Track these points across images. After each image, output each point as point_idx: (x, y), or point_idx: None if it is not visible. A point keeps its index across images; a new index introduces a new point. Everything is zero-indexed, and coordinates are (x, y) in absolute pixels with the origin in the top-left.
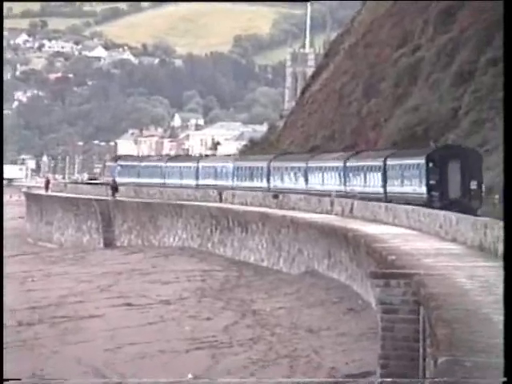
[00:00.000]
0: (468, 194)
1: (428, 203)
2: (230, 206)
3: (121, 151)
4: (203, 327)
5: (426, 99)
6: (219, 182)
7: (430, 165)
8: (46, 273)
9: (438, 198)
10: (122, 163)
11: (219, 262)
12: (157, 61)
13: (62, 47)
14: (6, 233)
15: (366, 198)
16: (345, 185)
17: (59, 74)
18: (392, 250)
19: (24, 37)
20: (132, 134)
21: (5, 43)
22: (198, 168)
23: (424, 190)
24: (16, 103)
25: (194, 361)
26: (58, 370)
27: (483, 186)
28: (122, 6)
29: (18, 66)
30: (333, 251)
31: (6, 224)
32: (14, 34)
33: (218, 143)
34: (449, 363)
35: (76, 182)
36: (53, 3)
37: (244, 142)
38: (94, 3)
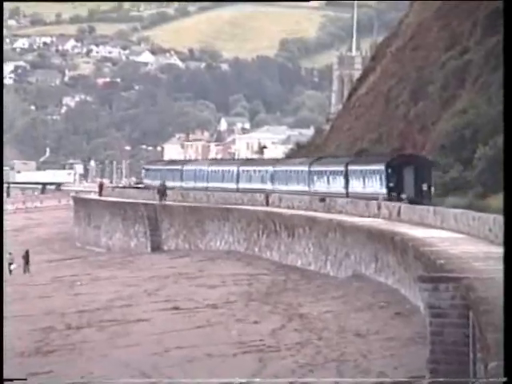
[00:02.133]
0: (420, 194)
1: (388, 199)
2: (276, 209)
3: (167, 155)
4: (250, 331)
5: (475, 102)
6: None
7: (389, 170)
8: (93, 277)
9: (396, 197)
10: (147, 167)
11: (266, 265)
12: (203, 65)
13: (110, 52)
14: (55, 237)
15: (329, 196)
16: (309, 186)
17: (107, 79)
18: (440, 253)
19: (72, 42)
20: (179, 138)
21: (53, 49)
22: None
23: (385, 190)
24: (64, 108)
25: (241, 365)
26: (106, 374)
27: (432, 188)
28: (169, 10)
29: (67, 71)
30: (380, 255)
31: (54, 228)
32: (63, 40)
33: (265, 147)
34: (499, 368)
35: (123, 187)
36: (101, 9)
37: (290, 146)
38: (141, 8)
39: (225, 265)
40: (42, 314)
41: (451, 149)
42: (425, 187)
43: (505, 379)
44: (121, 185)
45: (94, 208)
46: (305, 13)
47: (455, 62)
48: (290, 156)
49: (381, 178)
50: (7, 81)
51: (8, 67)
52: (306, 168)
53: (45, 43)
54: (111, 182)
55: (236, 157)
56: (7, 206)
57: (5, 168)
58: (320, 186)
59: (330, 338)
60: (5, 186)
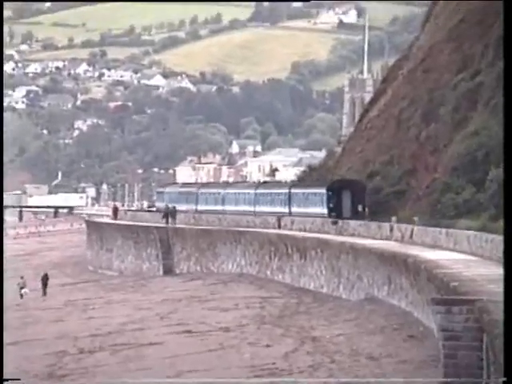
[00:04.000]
0: (356, 213)
1: (328, 217)
2: (288, 232)
3: (179, 178)
4: (263, 354)
5: (487, 124)
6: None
7: (330, 193)
8: (106, 300)
9: (335, 216)
10: (160, 190)
11: (278, 288)
12: (214, 88)
13: (121, 76)
14: (67, 260)
15: (272, 215)
16: (254, 206)
17: (118, 103)
18: (454, 276)
19: (84, 66)
20: (190, 161)
21: (65, 73)
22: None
23: (326, 211)
24: (76, 132)
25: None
26: None
27: (366, 208)
28: (180, 34)
29: (79, 95)
30: (393, 277)
31: (66, 252)
32: (75, 64)
33: (276, 169)
34: None
35: (136, 210)
36: (113, 33)
37: (302, 168)
38: (153, 32)
39: (237, 288)
40: (54, 337)
41: (463, 171)
42: (360, 208)
43: (504, 379)
44: (133, 208)
45: (107, 231)
46: (316, 36)
47: (467, 84)
48: (302, 178)
49: (322, 200)
50: (19, 105)
51: (20, 92)
52: (252, 191)
53: (57, 67)
54: (123, 206)
55: (248, 179)
56: (20, 231)
57: (17, 192)
58: (265, 207)
59: (342, 361)
60: (17, 210)
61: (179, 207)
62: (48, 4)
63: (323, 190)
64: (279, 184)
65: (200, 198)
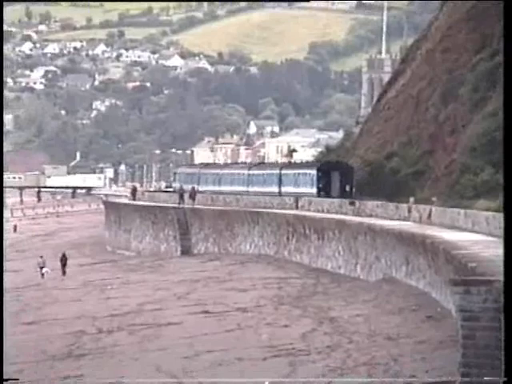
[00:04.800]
0: (344, 193)
1: (317, 196)
2: (306, 213)
3: (197, 159)
4: (281, 335)
5: None
6: None
7: (319, 174)
8: (124, 280)
9: (324, 195)
10: (175, 171)
11: (296, 269)
12: (232, 69)
13: (139, 56)
14: (85, 241)
15: (264, 195)
16: (247, 186)
17: (136, 83)
18: (472, 256)
19: (102, 47)
20: (208, 141)
21: (83, 54)
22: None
23: (315, 190)
24: (94, 113)
25: (271, 368)
26: (137, 377)
27: (353, 188)
28: (198, 14)
29: (97, 75)
30: (411, 258)
31: (84, 233)
32: (93, 45)
33: (294, 150)
34: None
35: (154, 191)
36: (131, 13)
37: (320, 149)
38: (170, 12)
39: (255, 268)
40: (73, 317)
41: (482, 151)
42: (347, 188)
43: (505, 379)
44: (151, 189)
45: (125, 212)
46: (334, 16)
47: (486, 64)
48: (319, 159)
49: (312, 180)
50: (38, 86)
51: (39, 72)
52: (245, 171)
53: (75, 48)
54: (141, 186)
55: (266, 160)
56: (38, 211)
57: (35, 172)
58: (257, 187)
59: (360, 342)
60: (35, 190)
61: (186, 187)
62: None
63: (313, 171)
64: (271, 165)
65: (201, 178)
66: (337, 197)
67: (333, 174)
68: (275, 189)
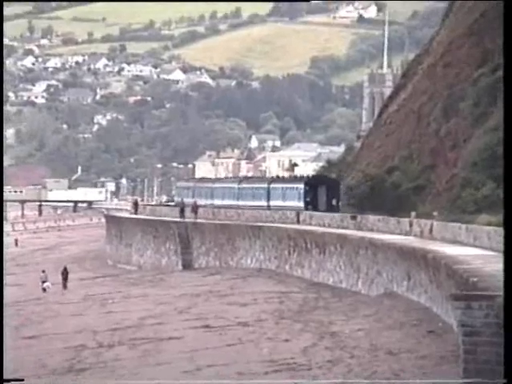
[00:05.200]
0: (330, 207)
1: (304, 210)
2: (307, 227)
3: (198, 173)
4: (282, 349)
5: None
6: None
7: (307, 188)
8: (125, 294)
9: (311, 209)
10: (179, 184)
11: (297, 283)
12: (234, 83)
13: (141, 71)
14: (86, 255)
15: (253, 208)
16: (237, 200)
17: (138, 98)
18: (474, 271)
19: (104, 61)
20: (209, 156)
21: (85, 68)
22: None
23: (302, 204)
24: (96, 127)
25: (272, 383)
26: None
27: (340, 202)
28: (200, 29)
29: (98, 90)
30: (412, 273)
31: (86, 247)
32: (94, 59)
33: (295, 164)
34: None
35: (155, 205)
36: (132, 27)
37: (321, 163)
38: (172, 26)
39: (256, 283)
40: (74, 331)
41: (483, 166)
42: (334, 202)
43: (505, 381)
44: (153, 203)
45: (126, 226)
46: (335, 30)
47: (487, 79)
48: (321, 173)
49: (299, 194)
50: (39, 100)
51: (40, 86)
52: (236, 185)
53: (77, 62)
54: (142, 200)
55: (267, 174)
56: (39, 225)
57: (37, 186)
58: (247, 201)
59: (361, 356)
60: (36, 204)
61: (187, 201)
62: None
63: (301, 185)
64: (260, 179)
65: (196, 192)
66: (323, 210)
67: (320, 188)
68: (264, 203)
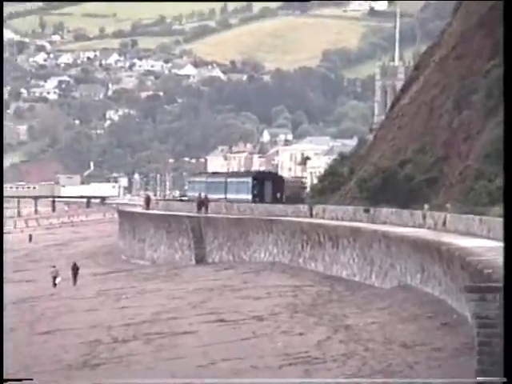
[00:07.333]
0: (275, 200)
1: (252, 202)
2: (320, 220)
3: (211, 168)
4: (296, 343)
5: None
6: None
7: (254, 182)
8: (139, 290)
9: (258, 201)
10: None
11: (310, 277)
12: (245, 77)
13: (152, 66)
14: (100, 250)
15: (215, 200)
16: (207, 193)
17: (150, 93)
18: (488, 263)
19: (115, 57)
20: (221, 150)
21: (97, 63)
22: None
23: (250, 196)
24: (108, 122)
25: (287, 376)
26: None
27: (283, 196)
28: (211, 23)
29: (110, 85)
30: (426, 265)
31: (99, 242)
32: (106, 55)
33: (308, 158)
34: None
35: (168, 199)
36: (143, 23)
37: (334, 157)
38: (183, 21)
39: (269, 276)
40: (88, 327)
41: (496, 158)
42: (278, 195)
43: (505, 379)
44: (166, 197)
45: (139, 221)
46: (346, 23)
47: (499, 71)
48: (334, 167)
49: (248, 188)
50: (52, 96)
51: (52, 82)
52: (204, 179)
53: (88, 58)
54: (155, 195)
55: (279, 168)
56: (53, 221)
57: (50, 182)
58: (212, 194)
59: (376, 349)
60: (50, 200)
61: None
62: None
63: (249, 180)
64: (220, 174)
65: (196, 186)
66: (269, 202)
67: (266, 182)
68: (223, 195)
